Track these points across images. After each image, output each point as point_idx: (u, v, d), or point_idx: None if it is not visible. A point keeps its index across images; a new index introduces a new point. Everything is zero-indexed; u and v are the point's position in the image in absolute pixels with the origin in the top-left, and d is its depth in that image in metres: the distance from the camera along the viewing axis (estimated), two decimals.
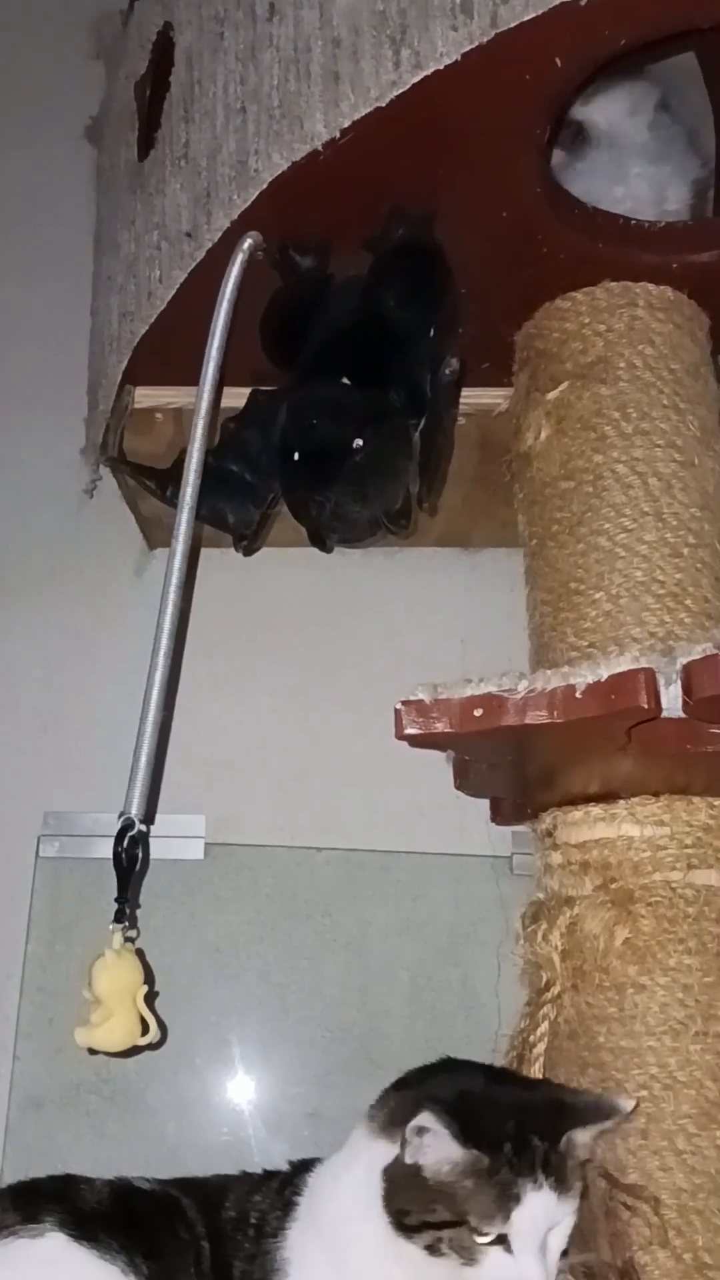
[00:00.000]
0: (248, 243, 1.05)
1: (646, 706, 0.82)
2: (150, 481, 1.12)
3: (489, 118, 0.96)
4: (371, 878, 1.45)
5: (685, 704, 0.83)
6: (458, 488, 1.37)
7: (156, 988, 1.39)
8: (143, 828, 0.97)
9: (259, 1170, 1.03)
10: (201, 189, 1.08)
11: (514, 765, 1.02)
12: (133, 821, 0.97)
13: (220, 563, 1.52)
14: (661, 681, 0.83)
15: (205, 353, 1.01)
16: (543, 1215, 0.83)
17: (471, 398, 1.24)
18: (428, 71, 0.91)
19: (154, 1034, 0.96)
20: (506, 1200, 0.82)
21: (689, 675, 0.83)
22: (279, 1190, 0.97)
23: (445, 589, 1.53)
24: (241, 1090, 1.38)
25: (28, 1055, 1.37)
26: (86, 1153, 1.35)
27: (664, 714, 0.86)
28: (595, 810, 1.06)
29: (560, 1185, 0.84)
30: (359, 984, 1.41)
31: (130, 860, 0.97)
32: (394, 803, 1.46)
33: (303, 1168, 0.99)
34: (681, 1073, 0.98)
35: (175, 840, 1.45)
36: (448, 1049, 1.37)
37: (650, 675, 0.82)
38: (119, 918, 0.97)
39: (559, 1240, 0.85)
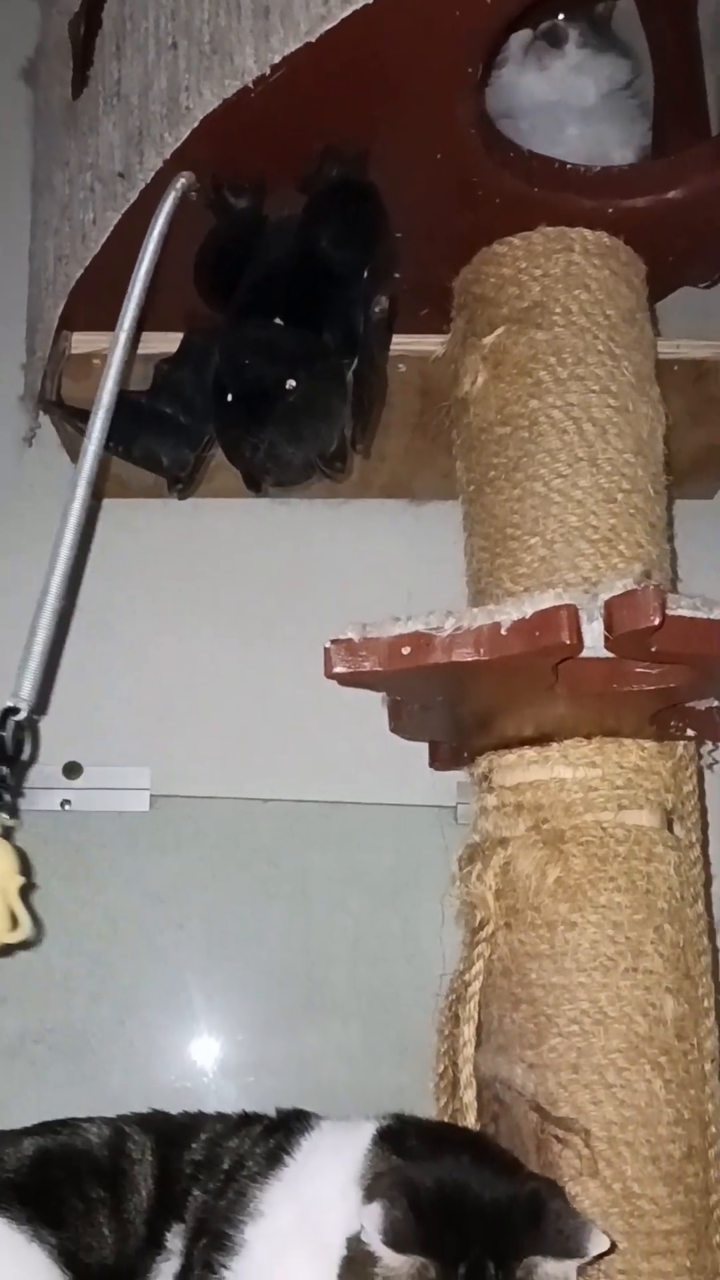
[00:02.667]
0: (180, 182, 1.04)
1: (569, 642, 0.82)
2: (82, 424, 1.10)
3: (420, 55, 0.95)
4: (316, 828, 1.45)
5: (606, 640, 0.84)
6: (399, 436, 1.37)
7: (102, 937, 1.40)
8: (32, 716, 0.93)
9: (236, 1112, 1.03)
10: (134, 127, 1.06)
11: (446, 706, 1.02)
12: (19, 706, 0.93)
13: (163, 513, 1.51)
14: (584, 618, 0.84)
15: (129, 287, 1.00)
16: None
17: (411, 344, 1.23)
18: (356, 6, 0.90)
19: (25, 929, 0.90)
20: None
21: (610, 611, 0.84)
22: (264, 1136, 0.96)
23: (390, 541, 1.53)
24: (187, 1038, 1.39)
25: None
26: (31, 1102, 1.35)
27: (588, 652, 0.86)
28: (529, 753, 1.07)
29: None
30: (303, 932, 1.41)
31: (16, 746, 0.93)
32: (338, 754, 1.46)
33: (297, 1119, 0.98)
34: (611, 1008, 1.00)
35: (120, 792, 1.45)
36: (390, 996, 1.41)
37: (572, 611, 0.83)
38: None
39: None
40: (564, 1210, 0.84)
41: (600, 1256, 0.84)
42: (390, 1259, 0.79)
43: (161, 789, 1.45)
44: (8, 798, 0.93)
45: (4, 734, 0.92)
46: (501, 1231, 0.81)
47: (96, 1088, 1.36)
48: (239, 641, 1.50)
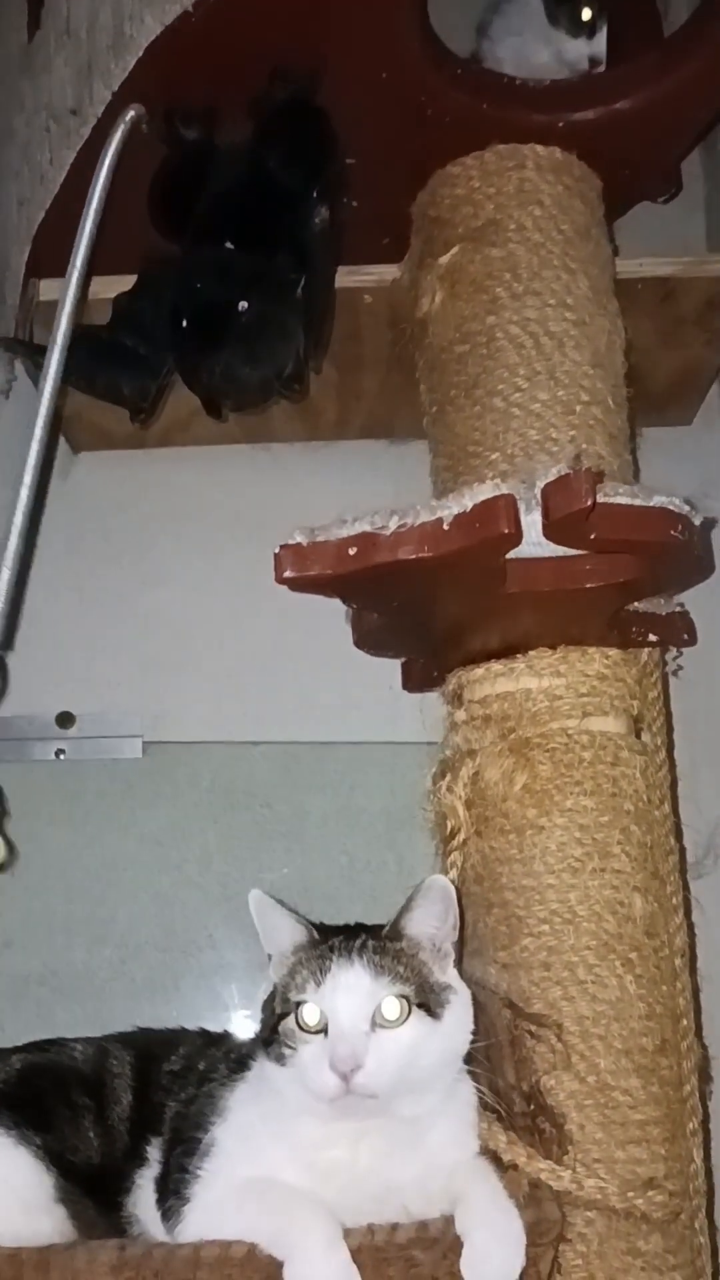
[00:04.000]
0: (130, 114, 1.05)
1: (507, 531, 0.83)
2: (43, 359, 1.12)
3: None
4: (308, 769, 1.46)
5: (545, 527, 0.85)
6: (374, 372, 1.38)
7: (101, 881, 1.42)
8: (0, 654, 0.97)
9: (219, 1031, 1.06)
10: (83, 62, 1.08)
11: (405, 614, 1.03)
12: None
13: (146, 463, 1.53)
14: (523, 509, 0.85)
15: (83, 215, 1.02)
16: (357, 989, 0.84)
17: (375, 274, 1.24)
18: None
19: (1, 855, 0.97)
20: (319, 973, 0.85)
21: (546, 498, 0.85)
22: (237, 1048, 0.99)
23: (371, 482, 1.53)
24: (188, 977, 1.41)
25: None
26: None
27: (534, 550, 0.87)
28: (496, 666, 1.08)
29: (379, 967, 0.85)
30: (299, 869, 1.43)
31: None
32: (328, 695, 1.47)
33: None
34: (581, 907, 1.01)
35: (113, 740, 1.46)
36: None
37: (510, 500, 0.84)
38: None
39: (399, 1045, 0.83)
40: None
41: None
42: (280, 938, 0.89)
43: (154, 735, 1.46)
44: None
45: None
46: (375, 927, 0.91)
47: (101, 1028, 1.37)
48: (226, 587, 1.51)
